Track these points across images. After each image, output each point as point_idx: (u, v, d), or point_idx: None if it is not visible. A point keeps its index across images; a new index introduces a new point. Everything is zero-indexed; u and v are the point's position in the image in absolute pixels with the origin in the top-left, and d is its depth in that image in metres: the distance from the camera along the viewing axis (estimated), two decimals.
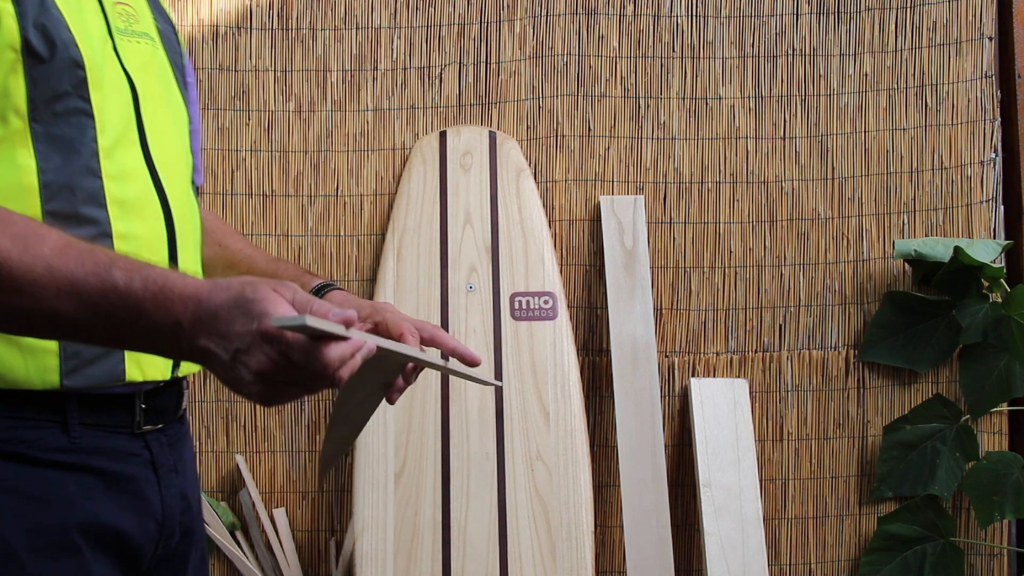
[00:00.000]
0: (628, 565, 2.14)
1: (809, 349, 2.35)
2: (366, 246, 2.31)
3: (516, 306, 2.21)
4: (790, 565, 2.34)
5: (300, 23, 2.31)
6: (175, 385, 1.20)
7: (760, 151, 2.35)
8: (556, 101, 2.33)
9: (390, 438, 2.15)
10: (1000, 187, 2.36)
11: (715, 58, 2.35)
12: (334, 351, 0.91)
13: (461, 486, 2.14)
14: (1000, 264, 2.26)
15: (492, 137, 2.28)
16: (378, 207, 2.31)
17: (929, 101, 2.36)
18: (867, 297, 2.35)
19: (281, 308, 0.91)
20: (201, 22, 2.29)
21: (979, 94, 2.35)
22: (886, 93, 2.36)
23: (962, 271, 2.20)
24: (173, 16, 2.27)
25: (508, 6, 2.33)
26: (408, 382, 1.13)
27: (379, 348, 0.96)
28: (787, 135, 2.35)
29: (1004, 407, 2.32)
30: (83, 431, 1.08)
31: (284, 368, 0.91)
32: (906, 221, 2.36)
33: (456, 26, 2.32)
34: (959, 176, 2.35)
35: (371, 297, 2.27)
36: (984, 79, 2.35)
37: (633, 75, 2.34)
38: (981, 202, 2.35)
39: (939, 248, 2.25)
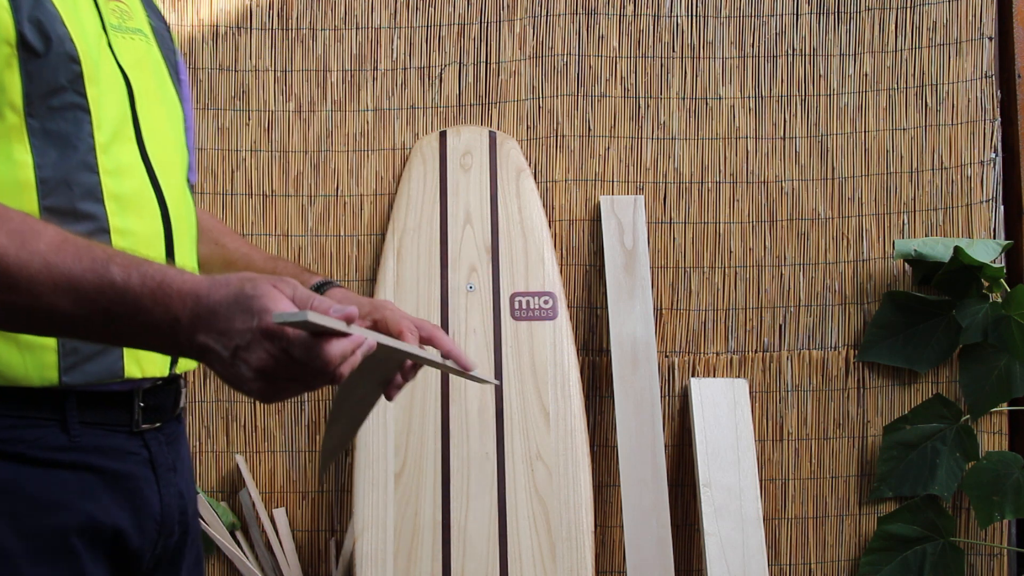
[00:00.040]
0: (628, 565, 2.14)
1: (809, 349, 2.35)
2: (366, 246, 2.31)
3: (516, 306, 2.21)
4: (790, 565, 2.34)
5: (300, 23, 2.31)
6: (173, 383, 1.19)
7: (760, 151, 2.35)
8: (556, 101, 2.33)
9: (390, 438, 2.15)
10: (1000, 187, 2.36)
11: (715, 58, 2.35)
12: (335, 347, 0.90)
13: (461, 486, 2.14)
14: (1000, 264, 2.26)
15: (492, 137, 2.28)
16: (378, 207, 2.31)
17: (929, 101, 2.36)
18: (867, 297, 2.35)
19: (282, 304, 0.91)
20: (201, 22, 2.29)
21: (979, 94, 2.35)
22: (886, 93, 2.36)
23: (962, 271, 2.20)
24: (170, 16, 2.28)
25: (508, 6, 2.33)
26: (407, 379, 1.13)
27: (379, 345, 0.96)
28: (787, 135, 2.35)
29: (1004, 407, 2.32)
30: (82, 429, 1.08)
31: (285, 365, 0.91)
32: (906, 221, 2.36)
33: (456, 26, 2.32)
34: (959, 176, 2.36)
35: (371, 297, 2.27)
36: (984, 79, 2.35)
37: (633, 75, 2.34)
38: (981, 202, 2.35)
39: (939, 248, 2.25)
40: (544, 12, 2.33)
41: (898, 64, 2.36)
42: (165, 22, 1.31)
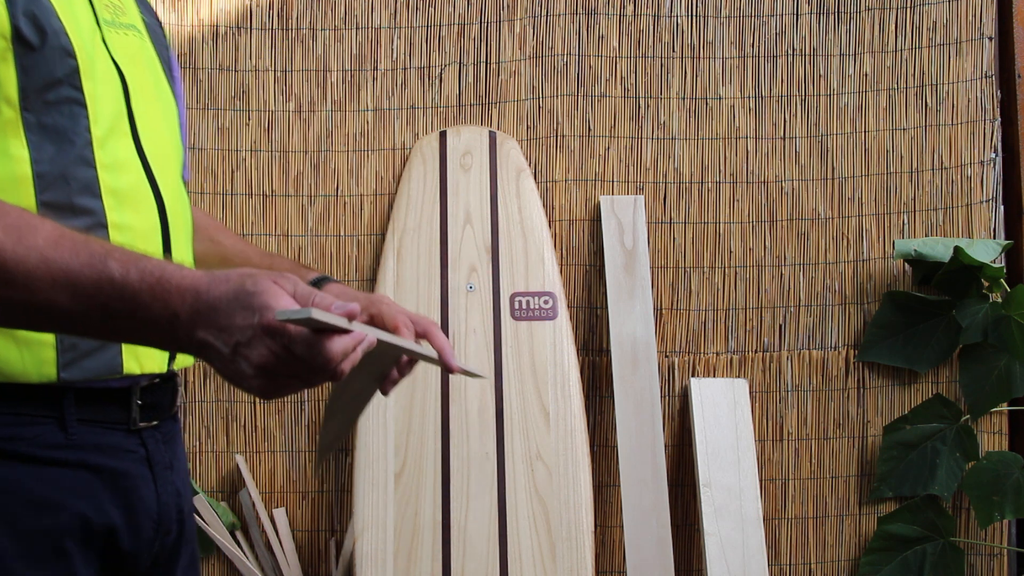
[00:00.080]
0: (628, 565, 2.14)
1: (809, 349, 2.35)
2: (366, 246, 2.31)
3: (516, 306, 2.21)
4: (790, 565, 2.34)
5: (300, 23, 2.31)
6: (170, 381, 1.19)
7: (760, 151, 2.35)
8: (556, 101, 2.33)
9: (390, 438, 2.15)
10: (1000, 187, 2.36)
11: (715, 58, 2.35)
12: (337, 345, 0.90)
13: (461, 486, 2.14)
14: (1000, 264, 2.26)
15: (492, 137, 2.28)
16: (378, 207, 2.31)
17: (929, 101, 2.36)
18: (867, 297, 2.35)
19: (283, 301, 0.90)
20: (201, 22, 2.29)
21: (979, 94, 2.35)
22: (886, 93, 2.36)
23: (962, 271, 2.20)
24: (169, 16, 2.27)
25: (508, 6, 2.33)
26: (403, 374, 1.13)
27: (379, 341, 0.96)
28: (787, 135, 2.35)
29: (1004, 407, 2.32)
30: (79, 427, 1.08)
31: (286, 362, 0.91)
32: (906, 221, 2.36)
33: (456, 26, 2.32)
34: (959, 176, 2.36)
35: None
36: (984, 79, 2.35)
37: (633, 75, 2.34)
38: (981, 202, 2.35)
39: (939, 248, 2.25)
40: (544, 12, 2.33)
41: (898, 64, 2.36)
42: (157, 18, 1.30)
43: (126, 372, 1.10)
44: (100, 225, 1.08)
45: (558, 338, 2.20)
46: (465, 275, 2.22)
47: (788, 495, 2.35)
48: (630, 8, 2.34)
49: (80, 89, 1.08)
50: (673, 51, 2.35)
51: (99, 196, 1.08)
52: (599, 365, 2.31)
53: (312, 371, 0.91)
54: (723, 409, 2.26)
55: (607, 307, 2.25)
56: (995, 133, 2.36)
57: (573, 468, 2.15)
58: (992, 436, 2.34)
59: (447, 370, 1.10)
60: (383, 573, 2.10)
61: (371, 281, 2.29)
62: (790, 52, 2.36)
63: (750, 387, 2.32)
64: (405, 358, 1.11)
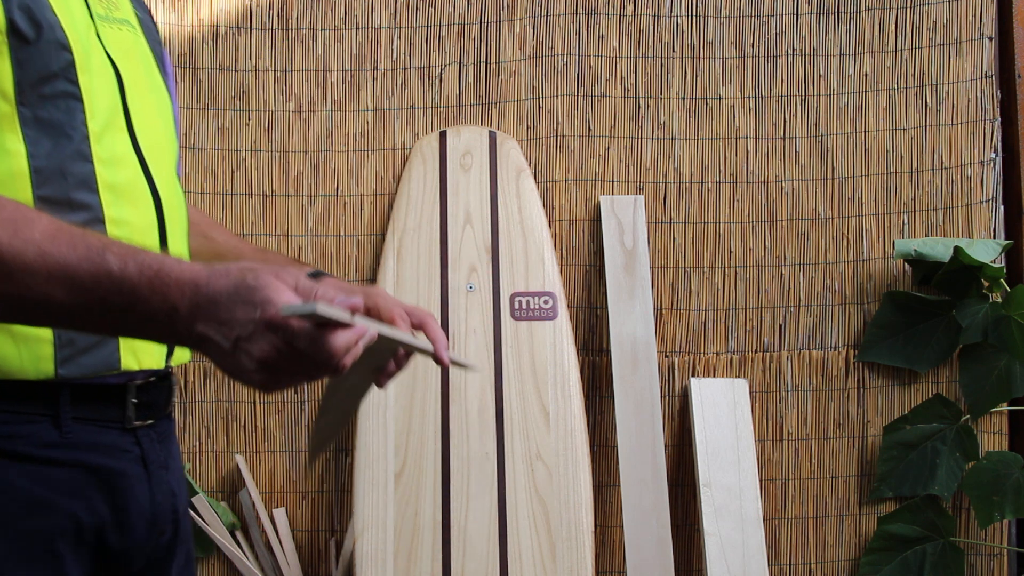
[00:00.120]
0: (628, 565, 2.14)
1: (809, 349, 2.35)
2: (366, 246, 2.31)
3: (516, 306, 2.21)
4: (790, 565, 2.34)
5: (300, 23, 2.31)
6: (166, 380, 1.19)
7: (760, 151, 2.35)
8: (556, 101, 2.33)
9: (390, 438, 2.15)
10: (1000, 187, 2.36)
11: (715, 58, 2.35)
12: (340, 339, 0.90)
13: (461, 486, 2.14)
14: (1000, 264, 2.26)
15: (492, 137, 2.28)
16: (378, 207, 2.31)
17: (929, 101, 2.36)
18: (867, 297, 2.35)
19: (285, 295, 0.90)
20: (201, 22, 2.29)
21: (979, 94, 2.35)
22: (886, 93, 2.36)
23: (962, 271, 2.21)
24: (169, 16, 2.27)
25: (508, 6, 2.33)
26: (400, 367, 1.12)
27: (380, 335, 0.96)
28: (787, 135, 2.35)
29: (1004, 407, 2.32)
30: (74, 425, 1.07)
31: (288, 356, 0.90)
32: (906, 221, 2.36)
33: (456, 26, 2.32)
34: (959, 176, 2.36)
35: None
36: (984, 79, 2.35)
37: (633, 75, 2.34)
38: (981, 202, 2.35)
39: (939, 248, 2.25)
40: (544, 12, 2.33)
41: (898, 64, 2.36)
42: (150, 13, 1.30)
43: (124, 368, 1.10)
44: (97, 220, 1.07)
45: (558, 338, 2.20)
46: (465, 275, 2.22)
47: (788, 495, 2.35)
48: (630, 8, 2.34)
49: (76, 83, 1.07)
50: (673, 51, 2.35)
51: (96, 191, 1.08)
52: (599, 365, 2.31)
53: (314, 366, 0.91)
54: (723, 409, 2.26)
55: (607, 307, 2.25)
56: (995, 133, 2.36)
57: (573, 468, 2.15)
58: (992, 436, 2.34)
59: (438, 362, 1.10)
60: (383, 573, 2.10)
61: (371, 281, 2.29)
62: (790, 52, 2.36)
63: (750, 387, 2.32)
64: (402, 351, 1.10)
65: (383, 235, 2.27)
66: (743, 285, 2.35)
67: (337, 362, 0.91)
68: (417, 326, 1.12)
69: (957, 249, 2.17)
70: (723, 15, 2.35)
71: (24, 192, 1.03)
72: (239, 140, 2.30)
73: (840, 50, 2.36)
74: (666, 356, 2.33)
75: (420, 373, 2.16)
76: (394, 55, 2.32)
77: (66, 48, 1.06)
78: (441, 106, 2.32)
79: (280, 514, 2.25)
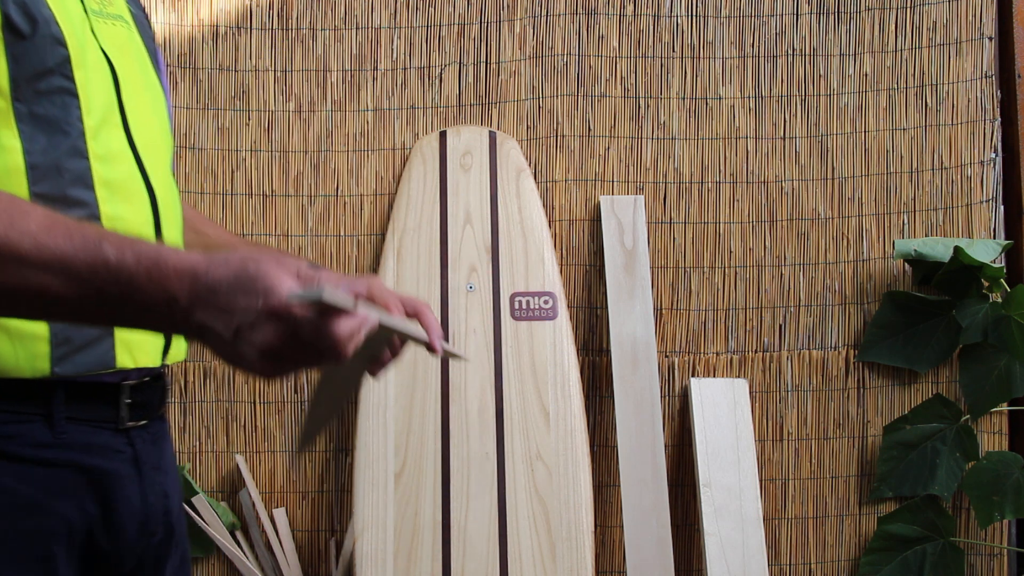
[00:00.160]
0: (628, 565, 2.14)
1: (809, 349, 2.35)
2: (366, 246, 2.31)
3: (516, 306, 2.21)
4: (790, 565, 2.34)
5: (300, 23, 2.31)
6: (159, 380, 1.19)
7: (760, 151, 2.35)
8: (556, 101, 2.33)
9: (390, 438, 2.15)
10: (1000, 187, 2.36)
11: (715, 58, 2.35)
12: (344, 327, 0.89)
13: (461, 486, 2.14)
14: (1000, 264, 2.26)
15: (492, 137, 2.28)
16: (378, 207, 2.31)
17: (929, 101, 2.36)
18: (867, 297, 2.35)
19: (287, 283, 0.89)
20: (201, 22, 2.29)
21: (979, 94, 2.35)
22: (886, 93, 2.36)
23: (962, 271, 2.20)
24: (169, 16, 2.27)
25: (508, 6, 2.33)
26: (395, 355, 1.12)
27: (380, 324, 0.95)
28: (787, 135, 2.35)
29: (1004, 407, 2.32)
30: (67, 426, 1.07)
31: (291, 345, 0.89)
32: (906, 221, 2.36)
33: (456, 26, 2.32)
34: (959, 176, 2.36)
35: None
36: (984, 79, 2.35)
37: (633, 75, 2.34)
38: (981, 202, 2.35)
39: (939, 248, 2.25)
40: (544, 12, 2.33)
41: (898, 64, 2.36)
42: (144, 9, 1.30)
43: (119, 366, 1.10)
44: (93, 217, 1.07)
45: (558, 338, 2.20)
46: (465, 275, 2.22)
47: (788, 495, 2.35)
48: (630, 8, 2.34)
49: (72, 79, 1.07)
50: (673, 51, 2.35)
51: (92, 187, 1.08)
52: (599, 365, 2.31)
53: (317, 353, 0.90)
54: (723, 409, 2.26)
55: (607, 307, 2.25)
56: (995, 133, 2.36)
57: (573, 468, 2.15)
58: (992, 436, 2.34)
59: (430, 350, 1.09)
60: (383, 573, 2.10)
61: None
62: (790, 52, 2.36)
63: (750, 387, 2.32)
64: (398, 340, 1.10)
65: (383, 235, 2.27)
66: (743, 285, 2.35)
67: (341, 350, 0.90)
68: (412, 315, 1.11)
69: (957, 249, 2.17)
70: (723, 15, 2.35)
71: (20, 188, 1.03)
72: (239, 140, 2.30)
73: (840, 50, 2.36)
74: (666, 356, 2.33)
75: (420, 373, 2.16)
76: (394, 55, 2.32)
77: (61, 43, 1.06)
78: (441, 106, 2.32)
79: (280, 514, 2.25)
